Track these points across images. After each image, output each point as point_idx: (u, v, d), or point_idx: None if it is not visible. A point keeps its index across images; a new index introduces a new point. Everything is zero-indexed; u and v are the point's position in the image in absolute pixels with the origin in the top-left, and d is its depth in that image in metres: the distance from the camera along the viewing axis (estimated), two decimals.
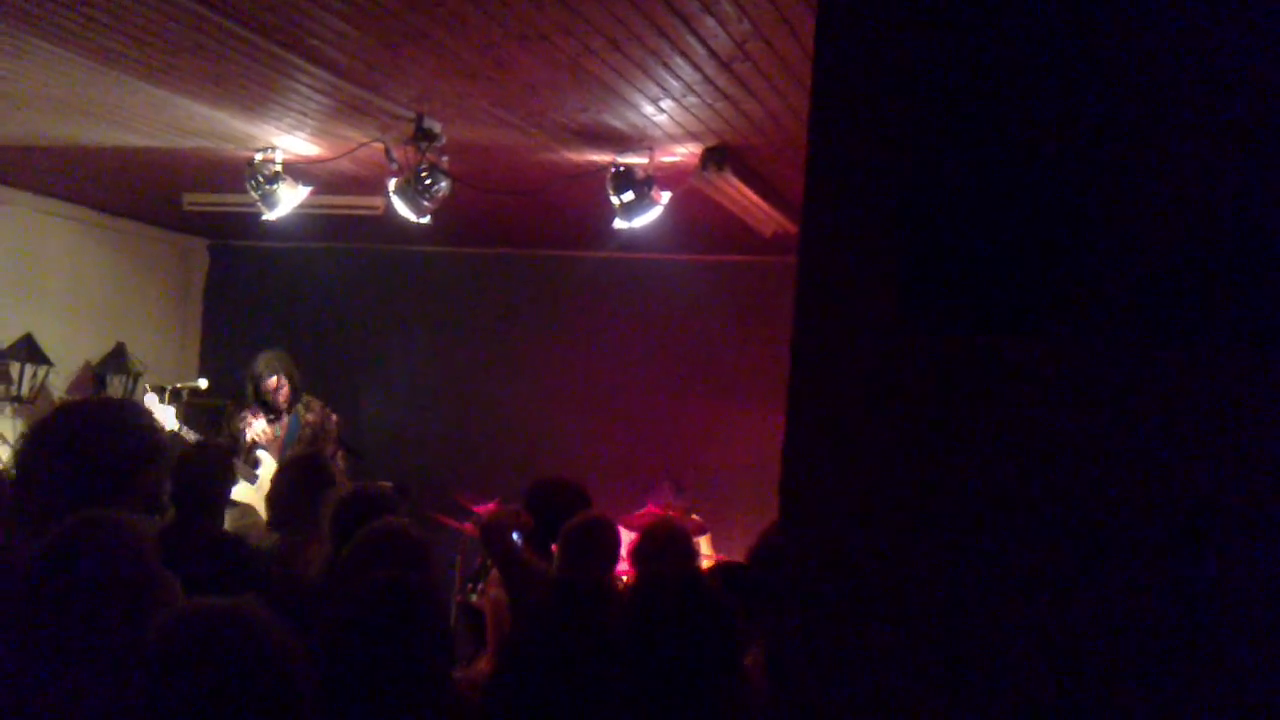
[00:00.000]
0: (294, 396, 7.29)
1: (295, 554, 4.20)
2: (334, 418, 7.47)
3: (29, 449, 2.93)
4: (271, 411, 7.25)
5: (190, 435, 7.03)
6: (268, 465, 7.08)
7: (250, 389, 7.30)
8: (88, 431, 2.89)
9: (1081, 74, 0.98)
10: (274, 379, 7.21)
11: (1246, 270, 0.93)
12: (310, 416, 7.35)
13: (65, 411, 3.11)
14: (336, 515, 3.96)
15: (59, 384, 8.04)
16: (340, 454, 7.29)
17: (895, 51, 1.03)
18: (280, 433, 7.28)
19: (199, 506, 4.14)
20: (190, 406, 7.40)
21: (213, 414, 7.51)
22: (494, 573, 4.91)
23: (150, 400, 7.22)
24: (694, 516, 7.03)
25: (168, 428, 6.98)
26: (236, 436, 7.22)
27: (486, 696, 3.02)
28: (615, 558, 4.43)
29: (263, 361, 7.30)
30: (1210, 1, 0.95)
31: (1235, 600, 0.90)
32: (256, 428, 7.24)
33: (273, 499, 4.62)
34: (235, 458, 6.59)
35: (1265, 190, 0.93)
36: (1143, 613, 0.93)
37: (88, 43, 4.19)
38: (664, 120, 4.73)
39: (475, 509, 6.85)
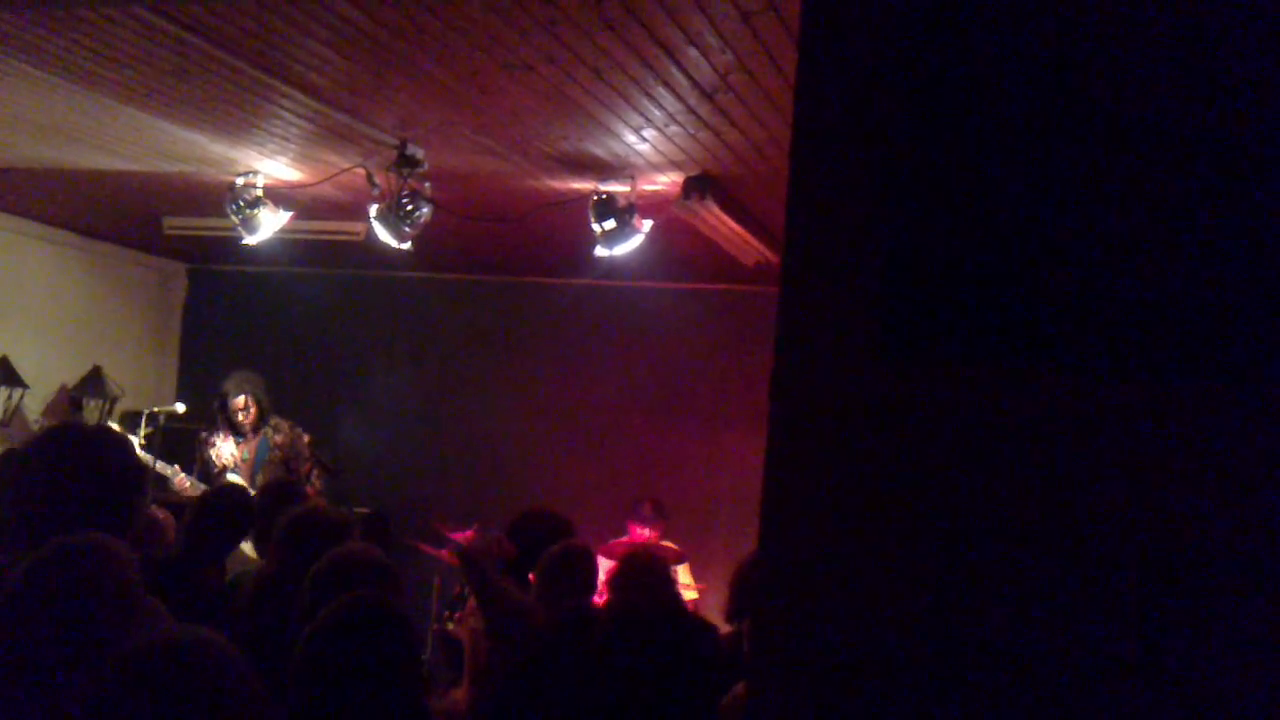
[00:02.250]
0: (260, 419, 7.28)
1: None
2: (305, 437, 7.44)
3: (7, 473, 2.89)
4: (238, 433, 7.23)
5: (163, 467, 6.97)
6: None
7: (218, 407, 7.30)
8: (70, 459, 2.85)
9: (1064, 108, 0.99)
10: (241, 398, 7.22)
11: (1225, 305, 0.94)
12: (279, 438, 7.33)
13: (48, 438, 3.07)
14: (286, 535, 3.95)
15: (34, 406, 7.98)
16: (316, 472, 7.25)
17: (877, 81, 1.04)
18: (250, 455, 7.26)
19: (210, 548, 4.15)
20: (167, 431, 7.35)
21: (190, 438, 7.46)
22: (472, 602, 4.89)
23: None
24: (667, 543, 7.01)
25: None
26: (207, 463, 7.19)
27: None
28: (593, 587, 4.41)
29: (231, 381, 7.33)
30: (1196, 29, 0.96)
31: (1214, 614, 0.91)
32: (225, 452, 7.21)
33: (255, 526, 4.61)
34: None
35: (1248, 224, 0.94)
36: (1120, 628, 0.93)
37: (71, 66, 4.18)
38: (646, 149, 4.75)
39: (453, 536, 6.82)
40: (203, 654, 2.10)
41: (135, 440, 7.03)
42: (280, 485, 4.96)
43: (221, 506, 4.32)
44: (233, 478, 7.08)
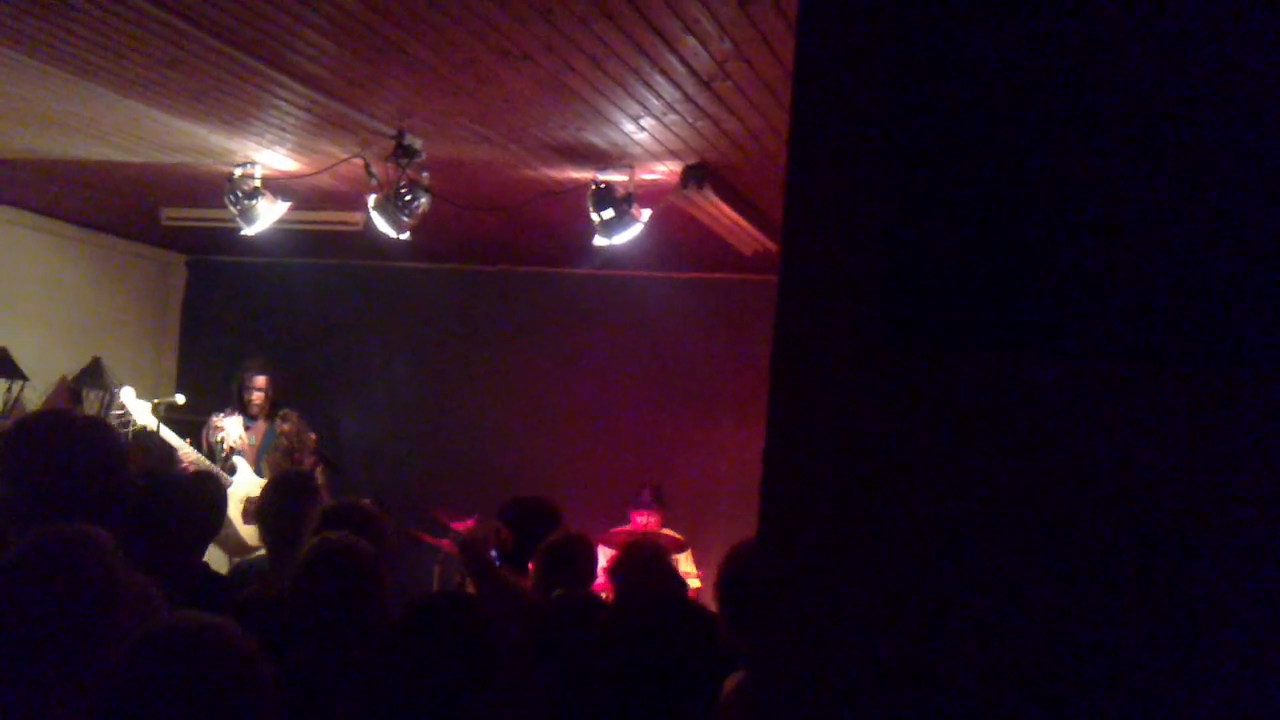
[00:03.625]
0: (271, 407, 7.34)
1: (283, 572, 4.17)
2: (312, 436, 7.50)
3: None
4: (248, 415, 7.28)
5: (169, 435, 6.99)
6: (243, 472, 7.08)
7: (235, 385, 7.38)
8: (43, 446, 2.85)
9: (1066, 90, 0.99)
10: (262, 378, 7.29)
11: (1231, 290, 0.93)
12: (286, 426, 7.38)
13: (20, 427, 3.06)
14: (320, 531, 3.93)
15: (34, 399, 7.98)
16: (319, 469, 7.28)
17: (876, 69, 1.03)
18: (256, 440, 7.29)
19: (185, 536, 4.13)
20: (167, 423, 7.36)
21: (189, 429, 7.47)
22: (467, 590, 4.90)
23: (127, 395, 7.20)
24: (669, 532, 7.01)
25: (142, 423, 7.01)
26: (213, 447, 7.21)
27: None
28: (592, 575, 4.42)
29: (255, 360, 7.47)
30: (1203, 20, 0.96)
31: (1218, 608, 0.91)
32: (232, 434, 7.25)
33: (262, 519, 4.60)
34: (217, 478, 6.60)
35: (1244, 212, 0.94)
36: (1121, 620, 0.93)
37: (67, 56, 4.17)
38: (644, 138, 4.74)
39: (453, 525, 6.83)
40: (212, 638, 2.10)
41: (146, 406, 7.06)
42: (290, 477, 4.96)
43: (196, 495, 4.29)
44: (237, 460, 7.11)
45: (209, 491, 4.36)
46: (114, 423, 7.27)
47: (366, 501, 4.31)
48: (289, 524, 4.31)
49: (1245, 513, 0.90)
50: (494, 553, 4.37)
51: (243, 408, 7.34)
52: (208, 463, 6.96)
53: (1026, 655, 0.95)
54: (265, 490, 4.65)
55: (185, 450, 6.96)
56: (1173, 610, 0.92)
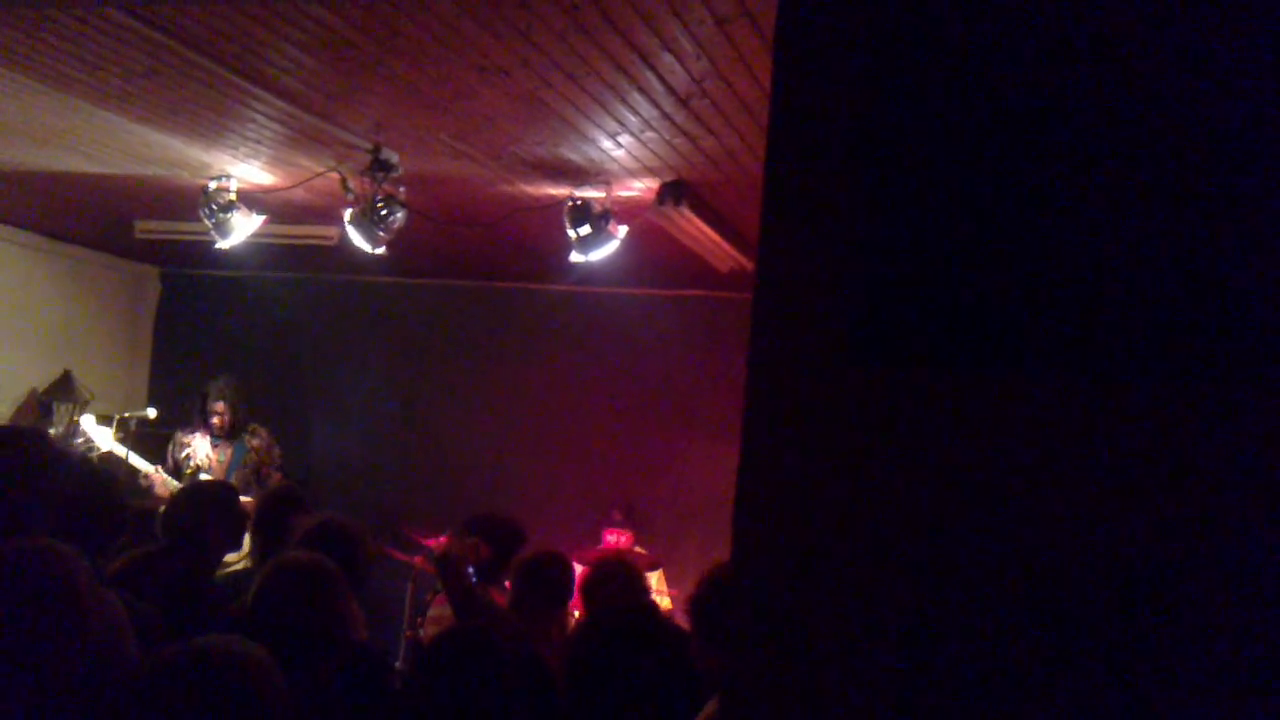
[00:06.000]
0: (235, 426, 7.29)
1: None
2: (277, 451, 7.46)
3: None
4: (214, 435, 7.25)
5: (137, 461, 6.94)
6: None
7: (199, 406, 7.35)
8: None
9: (1036, 115, 1.00)
10: (220, 404, 7.24)
11: (1198, 310, 0.94)
12: (256, 442, 7.36)
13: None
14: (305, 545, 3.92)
15: (3, 411, 7.91)
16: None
17: (852, 90, 1.04)
18: (225, 458, 7.25)
19: (185, 539, 4.12)
20: (138, 437, 7.30)
21: (160, 443, 7.42)
22: (433, 609, 4.88)
23: (87, 421, 7.16)
24: (640, 550, 7.00)
25: (103, 448, 6.95)
26: (180, 464, 7.16)
27: None
28: (569, 593, 4.40)
29: (214, 384, 7.40)
30: (1180, 38, 0.97)
31: (1203, 611, 0.91)
32: (200, 452, 7.20)
33: (255, 532, 4.59)
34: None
35: (1223, 229, 0.95)
36: (1096, 638, 0.93)
37: (42, 67, 4.15)
38: (621, 155, 4.75)
39: (425, 542, 6.79)
40: (232, 664, 2.08)
41: (108, 433, 7.01)
42: (281, 491, 4.95)
43: (212, 502, 4.29)
44: (205, 479, 7.05)
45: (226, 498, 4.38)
46: (77, 449, 7.26)
47: (347, 518, 4.30)
48: (278, 537, 4.30)
49: (1229, 523, 0.91)
50: (471, 569, 4.35)
51: (209, 429, 7.31)
52: (175, 484, 6.90)
53: (1003, 671, 0.95)
54: (259, 504, 4.66)
55: (153, 474, 6.89)
56: (1157, 616, 0.92)
